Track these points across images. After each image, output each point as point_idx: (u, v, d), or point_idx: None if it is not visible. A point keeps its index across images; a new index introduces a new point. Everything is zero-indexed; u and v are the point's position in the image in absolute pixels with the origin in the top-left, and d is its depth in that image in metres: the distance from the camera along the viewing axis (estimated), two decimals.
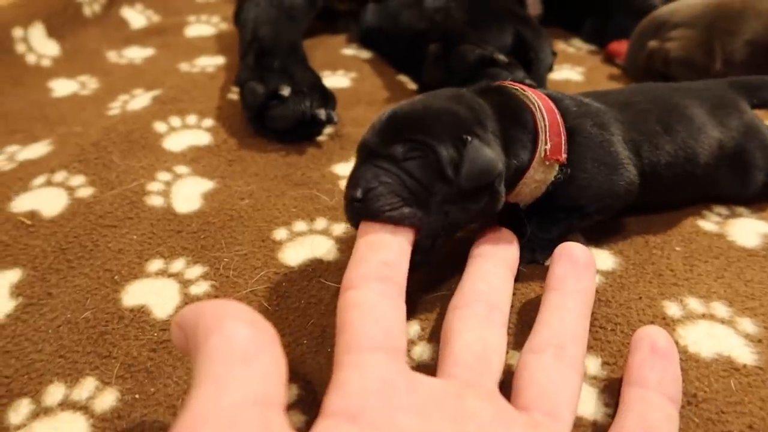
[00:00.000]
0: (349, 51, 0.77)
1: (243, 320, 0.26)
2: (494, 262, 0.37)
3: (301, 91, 0.55)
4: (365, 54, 0.77)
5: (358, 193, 0.33)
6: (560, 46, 0.82)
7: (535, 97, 0.39)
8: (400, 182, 0.33)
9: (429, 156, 0.34)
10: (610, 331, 0.36)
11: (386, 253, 0.32)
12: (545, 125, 0.37)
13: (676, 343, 0.35)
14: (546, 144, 0.37)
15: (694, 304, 0.38)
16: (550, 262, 0.37)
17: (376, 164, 0.34)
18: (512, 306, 0.37)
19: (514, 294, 0.38)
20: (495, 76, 0.55)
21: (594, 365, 0.34)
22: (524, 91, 0.39)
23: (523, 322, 0.37)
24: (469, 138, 0.34)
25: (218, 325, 0.26)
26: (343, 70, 0.72)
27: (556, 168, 0.38)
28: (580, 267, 0.36)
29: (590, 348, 0.35)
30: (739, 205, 0.48)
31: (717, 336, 0.36)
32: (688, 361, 0.34)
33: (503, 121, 0.37)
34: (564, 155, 0.38)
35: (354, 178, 0.35)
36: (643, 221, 0.46)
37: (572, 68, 0.75)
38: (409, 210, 0.33)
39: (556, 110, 0.39)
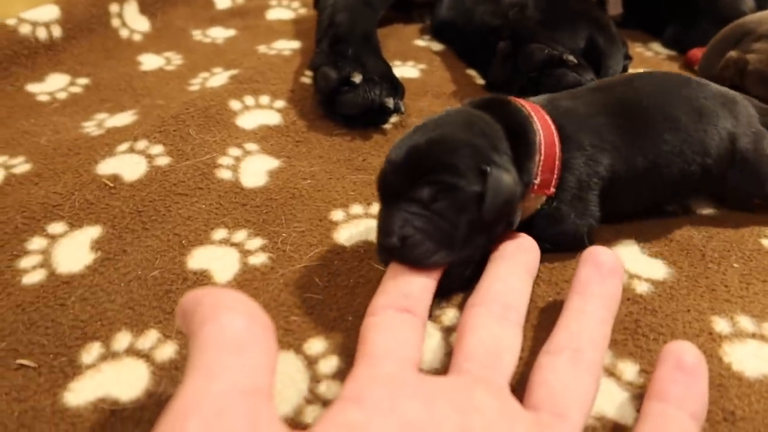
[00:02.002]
0: (421, 42, 0.78)
1: (238, 311, 0.27)
2: (513, 265, 0.37)
3: (372, 79, 0.57)
4: (437, 46, 0.77)
5: (395, 241, 0.34)
6: (638, 49, 0.80)
7: (538, 124, 0.39)
8: (432, 226, 0.34)
9: (455, 195, 0.34)
10: (652, 340, 0.36)
11: (409, 287, 0.34)
12: (540, 159, 0.38)
13: (719, 360, 0.35)
14: (536, 178, 0.38)
15: (746, 322, 0.38)
16: (577, 266, 0.36)
17: (405, 209, 0.35)
18: (535, 308, 0.38)
19: (538, 297, 0.38)
20: (562, 77, 0.55)
21: (631, 371, 0.34)
22: (530, 112, 0.40)
23: (544, 325, 0.37)
24: (489, 168, 0.35)
25: (213, 315, 0.27)
26: (413, 61, 0.73)
27: (543, 199, 0.39)
28: (605, 271, 0.35)
29: (630, 354, 0.35)
30: None
31: (765, 357, 0.36)
32: (730, 378, 0.34)
33: (513, 141, 0.38)
34: (552, 189, 0.39)
35: (386, 225, 0.35)
36: (703, 234, 0.45)
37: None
38: (443, 253, 0.35)
39: (557, 142, 0.39)
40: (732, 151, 0.43)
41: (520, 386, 0.32)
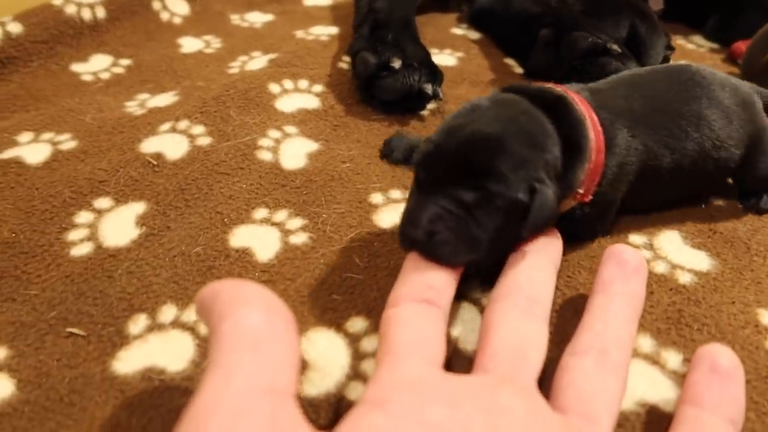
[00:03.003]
0: (459, 30, 0.78)
1: (257, 305, 0.26)
2: (537, 257, 0.36)
3: (411, 65, 0.56)
4: (474, 35, 0.77)
5: (420, 234, 0.33)
6: (679, 41, 0.79)
7: (590, 129, 0.37)
8: (464, 229, 0.33)
9: (497, 205, 0.33)
10: (696, 330, 0.36)
11: (433, 277, 0.33)
12: (589, 167, 0.37)
13: (766, 352, 0.34)
14: (581, 187, 0.37)
15: None
16: (599, 265, 0.35)
17: (441, 203, 0.33)
18: (556, 308, 0.37)
19: (559, 295, 0.37)
20: (605, 66, 0.55)
21: (675, 360, 0.34)
22: (584, 115, 0.37)
23: (567, 324, 0.36)
24: (538, 186, 0.33)
25: (231, 310, 0.26)
26: (450, 49, 0.72)
27: (577, 203, 0.38)
28: (629, 270, 0.34)
29: (673, 344, 0.35)
30: None
31: None
32: None
33: (566, 146, 0.36)
34: (590, 197, 0.38)
35: (415, 214, 0.33)
36: (748, 227, 0.44)
37: None
38: (469, 255, 0.34)
39: (603, 149, 0.38)
40: (747, 149, 0.42)
41: (543, 384, 0.31)
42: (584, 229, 0.41)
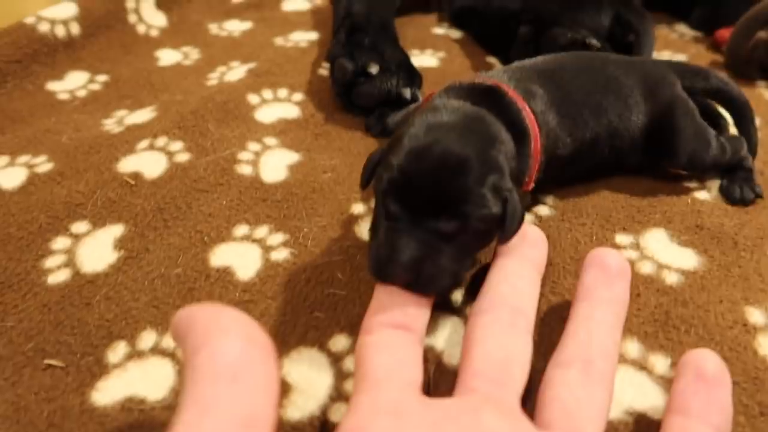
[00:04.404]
0: (440, 30, 0.77)
1: (234, 334, 0.25)
2: (519, 261, 0.35)
3: (388, 69, 0.56)
4: (456, 34, 0.76)
5: (406, 275, 0.32)
6: (663, 31, 0.78)
7: (527, 119, 0.39)
8: (450, 261, 0.33)
9: (479, 227, 0.33)
10: (683, 333, 0.35)
11: (407, 302, 0.32)
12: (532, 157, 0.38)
13: (755, 352, 0.34)
14: (528, 177, 0.38)
15: None
16: (581, 271, 0.35)
17: (423, 240, 0.32)
18: (541, 315, 0.36)
19: (544, 302, 0.37)
20: None
21: (662, 365, 0.33)
22: (520, 106, 0.39)
23: (552, 333, 0.35)
24: (507, 196, 0.33)
25: (207, 340, 0.25)
26: (432, 49, 0.72)
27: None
28: (612, 274, 0.34)
29: (660, 347, 0.34)
30: None
31: None
32: (766, 371, 0.33)
33: (515, 143, 0.36)
34: (532, 184, 0.39)
35: (396, 252, 0.32)
36: (735, 222, 0.44)
37: (673, 55, 0.72)
38: (455, 281, 0.34)
39: (538, 134, 0.39)
40: (646, 130, 0.44)
41: (528, 397, 0.30)
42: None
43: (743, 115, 0.50)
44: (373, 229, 0.35)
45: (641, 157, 0.46)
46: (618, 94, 0.44)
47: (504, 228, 0.33)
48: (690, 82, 0.47)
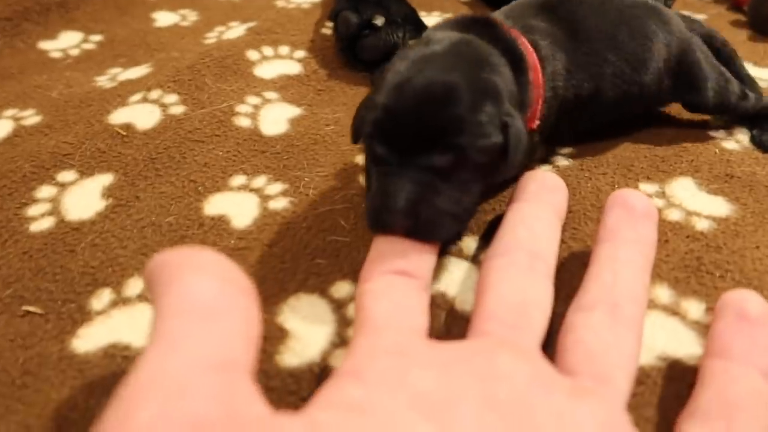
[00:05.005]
0: None
1: (210, 272, 0.23)
2: (537, 207, 0.32)
3: (395, 21, 0.53)
4: None
5: (403, 220, 0.29)
6: None
7: (523, 50, 0.35)
8: (450, 199, 0.30)
9: (478, 158, 0.29)
10: (718, 278, 0.32)
11: (408, 247, 0.29)
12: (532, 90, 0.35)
13: None
14: (529, 112, 0.35)
15: None
16: (602, 213, 0.31)
17: (418, 179, 0.29)
18: (561, 262, 0.32)
19: (564, 249, 0.33)
20: None
21: (697, 310, 0.30)
22: (516, 37, 0.35)
23: (573, 279, 0.31)
24: (509, 120, 0.30)
25: (179, 277, 0.22)
26: (439, 11, 0.69)
27: None
28: (637, 215, 0.30)
29: (694, 293, 0.31)
30: None
31: None
32: None
33: (514, 72, 0.33)
34: (537, 122, 0.35)
35: (390, 197, 0.29)
36: None
37: (692, 15, 0.68)
38: (461, 225, 0.31)
39: (539, 69, 0.35)
40: (668, 63, 0.41)
41: (549, 347, 0.27)
42: (533, 161, 0.39)
43: (734, 62, 0.48)
44: (367, 179, 0.32)
45: (668, 96, 0.42)
46: (633, 25, 0.40)
47: (507, 158, 0.30)
48: (688, 26, 0.44)
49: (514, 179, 0.35)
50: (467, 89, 0.29)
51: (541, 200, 0.33)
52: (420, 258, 0.29)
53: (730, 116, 0.45)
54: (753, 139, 0.44)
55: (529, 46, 0.36)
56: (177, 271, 0.23)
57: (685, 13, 0.66)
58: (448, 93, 0.29)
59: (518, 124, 0.30)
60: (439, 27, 0.37)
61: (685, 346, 0.29)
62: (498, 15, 0.40)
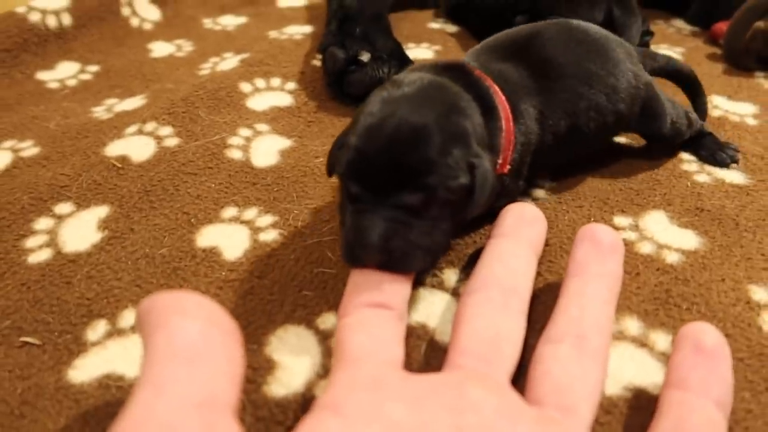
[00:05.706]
0: (436, 25, 0.77)
1: (194, 315, 0.24)
2: (515, 242, 0.33)
3: (380, 57, 0.55)
4: (451, 28, 0.76)
5: (376, 256, 0.30)
6: (660, 26, 0.78)
7: (495, 97, 0.36)
8: (422, 235, 0.31)
9: (447, 197, 0.31)
10: (685, 310, 0.34)
11: (384, 279, 0.31)
12: (503, 136, 0.36)
13: (759, 329, 0.33)
14: (500, 158, 0.36)
15: None
16: (572, 246, 0.33)
17: (390, 217, 0.30)
18: (537, 295, 0.34)
19: (540, 281, 0.35)
20: None
21: (664, 341, 0.32)
22: (489, 84, 0.37)
23: (548, 312, 0.33)
24: (476, 161, 0.32)
25: (164, 321, 0.24)
26: (427, 43, 0.71)
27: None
28: (604, 249, 0.32)
29: (662, 325, 0.33)
30: None
31: None
32: None
33: (485, 117, 0.35)
34: (508, 167, 0.36)
35: (364, 234, 0.30)
36: (736, 203, 0.43)
37: (671, 48, 0.71)
38: (431, 257, 0.32)
39: (510, 116, 0.37)
40: (636, 92, 0.42)
41: (517, 379, 0.29)
42: (505, 202, 0.38)
43: (693, 84, 0.50)
44: (342, 215, 0.34)
45: (634, 124, 0.44)
46: (602, 55, 0.41)
47: (472, 198, 0.32)
48: (643, 62, 0.46)
49: (493, 214, 0.37)
50: (437, 131, 0.31)
51: (519, 235, 0.34)
52: (394, 289, 0.31)
53: (675, 143, 0.48)
54: (705, 160, 0.47)
55: (501, 95, 0.37)
56: (164, 315, 0.25)
57: (663, 45, 0.69)
58: (418, 135, 0.30)
59: (485, 165, 0.32)
60: (414, 69, 0.39)
61: (651, 376, 0.30)
62: (468, 57, 0.41)
